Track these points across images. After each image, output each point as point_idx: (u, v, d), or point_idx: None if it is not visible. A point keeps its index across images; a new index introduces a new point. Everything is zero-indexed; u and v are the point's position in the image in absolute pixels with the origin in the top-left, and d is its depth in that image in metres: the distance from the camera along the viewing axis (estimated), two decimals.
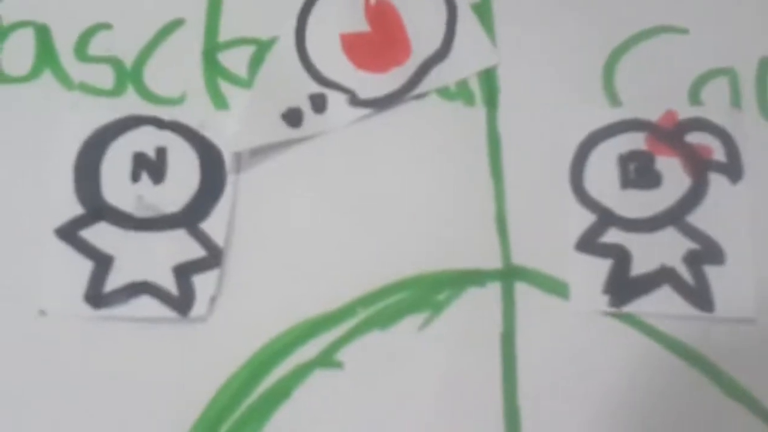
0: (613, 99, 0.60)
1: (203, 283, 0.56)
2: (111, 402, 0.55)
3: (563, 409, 0.54)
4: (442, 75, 0.61)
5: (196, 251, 0.56)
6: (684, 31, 0.62)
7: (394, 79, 0.60)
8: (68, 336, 0.56)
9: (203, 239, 0.57)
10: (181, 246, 0.56)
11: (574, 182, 0.58)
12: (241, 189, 0.59)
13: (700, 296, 0.55)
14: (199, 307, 0.55)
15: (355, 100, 0.60)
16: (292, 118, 0.59)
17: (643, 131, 0.59)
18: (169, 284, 0.56)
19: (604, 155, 0.59)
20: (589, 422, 0.53)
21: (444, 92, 0.61)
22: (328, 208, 0.58)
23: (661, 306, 0.55)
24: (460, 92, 0.61)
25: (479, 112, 0.60)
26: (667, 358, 0.54)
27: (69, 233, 0.58)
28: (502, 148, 0.59)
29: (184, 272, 0.56)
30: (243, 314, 0.56)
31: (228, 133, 0.59)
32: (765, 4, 0.63)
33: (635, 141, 0.59)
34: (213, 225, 0.57)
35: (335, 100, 0.60)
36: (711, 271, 0.55)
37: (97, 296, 0.56)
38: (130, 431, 0.54)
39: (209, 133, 0.60)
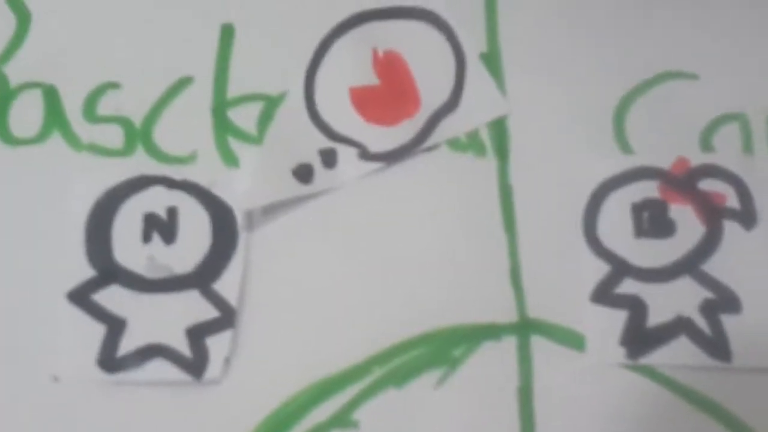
0: (625, 146, 0.60)
1: (217, 344, 0.55)
2: None
3: None
4: (453, 126, 0.60)
5: (209, 312, 0.56)
6: (694, 76, 0.61)
7: (404, 132, 0.60)
8: (82, 401, 0.55)
9: (216, 300, 0.56)
10: (193, 307, 0.56)
11: (588, 232, 0.58)
12: (252, 247, 0.58)
13: (717, 346, 0.54)
14: (213, 370, 0.55)
15: (365, 154, 0.60)
16: (303, 174, 0.59)
17: (656, 179, 0.59)
18: (183, 347, 0.55)
19: (617, 204, 0.58)
20: None
21: (454, 144, 0.60)
22: (340, 265, 0.58)
23: (678, 357, 0.54)
24: (470, 144, 0.60)
25: (490, 163, 0.60)
26: (685, 409, 0.53)
27: (81, 297, 0.57)
28: (515, 199, 0.59)
29: (197, 334, 0.56)
30: (257, 375, 0.55)
31: (238, 191, 0.59)
32: None
33: (648, 189, 0.58)
34: (225, 285, 0.57)
35: (346, 154, 0.60)
36: (728, 321, 0.55)
37: (110, 360, 0.56)
38: None
39: (220, 192, 0.59)
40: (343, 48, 0.63)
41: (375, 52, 0.62)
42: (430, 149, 0.60)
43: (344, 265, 0.58)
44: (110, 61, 0.63)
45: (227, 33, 0.64)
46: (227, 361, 0.55)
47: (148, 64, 0.63)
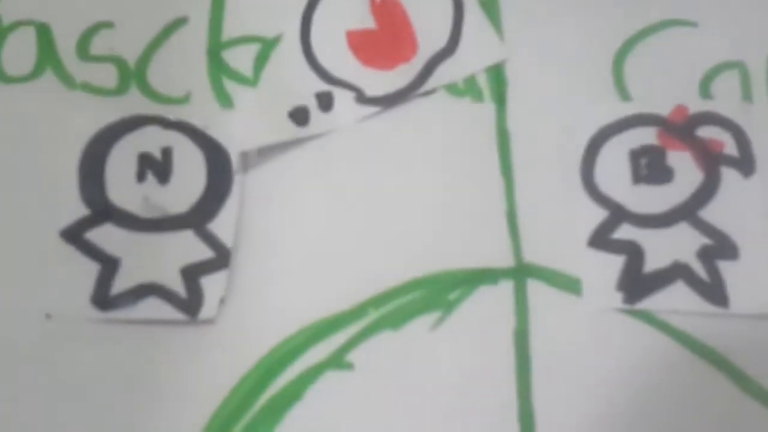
0: (623, 93, 0.60)
1: (212, 284, 0.56)
2: (119, 405, 0.54)
3: (578, 406, 0.53)
4: (450, 71, 0.61)
5: (204, 252, 0.56)
6: (693, 24, 0.62)
7: (401, 77, 0.60)
8: (75, 339, 0.55)
9: (211, 240, 0.56)
10: (188, 247, 0.56)
11: (585, 178, 0.58)
12: (248, 189, 0.59)
13: (714, 292, 0.55)
14: (208, 310, 0.55)
15: (362, 98, 0.60)
16: (299, 116, 0.59)
17: (654, 126, 0.59)
18: (178, 286, 0.55)
19: (615, 150, 0.59)
20: (602, 417, 0.53)
21: (452, 89, 0.61)
22: (336, 208, 0.58)
23: (675, 302, 0.55)
24: (468, 89, 0.61)
25: (488, 108, 0.60)
26: (681, 354, 0.54)
27: (74, 235, 0.57)
28: (512, 144, 0.59)
29: (192, 274, 0.56)
30: (252, 316, 0.56)
31: (234, 132, 0.59)
32: None
33: (646, 136, 0.59)
34: (221, 225, 0.57)
35: (342, 98, 0.60)
36: (725, 267, 0.56)
37: (104, 299, 0.56)
38: None
39: (215, 133, 0.59)
40: None
41: None
42: (427, 94, 0.60)
43: (340, 208, 0.58)
44: (104, 0, 0.63)
45: None
46: (222, 301, 0.55)
47: (142, 4, 0.63)
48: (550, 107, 0.60)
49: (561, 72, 0.61)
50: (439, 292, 0.56)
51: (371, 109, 0.60)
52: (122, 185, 0.58)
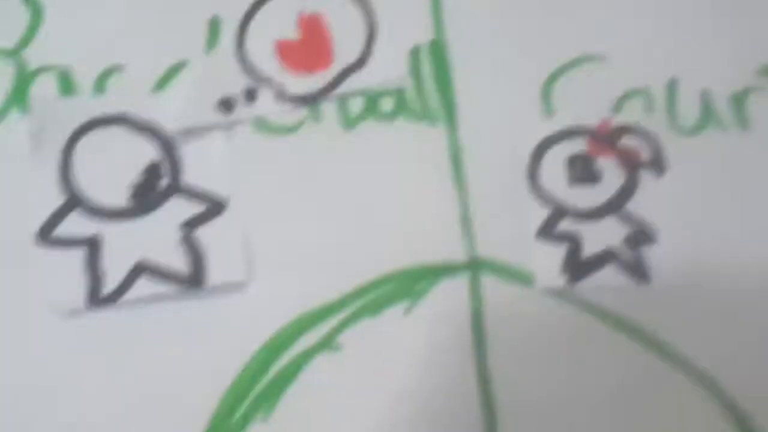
0: (555, 113, 0.67)
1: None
2: (124, 393, 0.61)
3: (530, 373, 0.62)
4: (359, 81, 0.67)
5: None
6: (604, 58, 0.68)
7: (317, 81, 0.66)
8: (72, 331, 0.61)
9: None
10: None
11: (531, 182, 0.65)
12: (241, 203, 0.64)
13: (639, 271, 0.63)
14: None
15: (282, 95, 0.66)
16: (226, 105, 0.65)
17: (585, 137, 0.66)
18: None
19: (554, 158, 0.66)
20: (547, 380, 0.62)
21: (411, 115, 0.66)
22: (317, 218, 0.64)
23: (609, 281, 0.63)
24: (424, 113, 0.66)
25: (441, 129, 0.66)
26: (609, 331, 0.63)
27: (50, 227, 0.62)
28: (464, 158, 0.65)
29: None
30: (250, 309, 0.62)
31: (166, 112, 0.65)
32: (673, 32, 0.69)
33: (578, 145, 0.66)
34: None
35: (265, 93, 0.66)
36: (647, 250, 0.64)
37: (96, 287, 0.61)
38: (146, 420, 0.60)
39: (149, 113, 0.65)
40: (274, 7, 0.68)
41: (301, 13, 0.68)
42: (389, 118, 0.66)
43: (321, 217, 0.64)
44: None
45: None
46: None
47: None
48: (495, 126, 0.66)
49: (502, 96, 0.67)
50: (407, 284, 0.63)
51: (288, 105, 0.66)
52: (93, 175, 0.63)
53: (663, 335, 0.63)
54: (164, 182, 0.63)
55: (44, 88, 0.65)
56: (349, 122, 0.66)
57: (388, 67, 0.67)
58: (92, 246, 0.62)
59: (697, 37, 0.69)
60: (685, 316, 0.63)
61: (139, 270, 0.62)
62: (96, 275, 0.61)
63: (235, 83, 0.66)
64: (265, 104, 0.66)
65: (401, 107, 0.67)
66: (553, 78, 0.68)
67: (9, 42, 0.65)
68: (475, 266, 0.64)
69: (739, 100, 0.67)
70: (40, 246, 0.62)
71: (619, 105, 0.67)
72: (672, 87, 0.68)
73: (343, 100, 0.66)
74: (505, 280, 0.64)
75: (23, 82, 0.65)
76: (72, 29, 0.66)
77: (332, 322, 0.62)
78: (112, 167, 0.63)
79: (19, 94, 0.64)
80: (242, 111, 0.65)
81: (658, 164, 0.66)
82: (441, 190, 0.65)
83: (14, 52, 0.65)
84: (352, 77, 0.67)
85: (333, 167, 0.66)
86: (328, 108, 0.66)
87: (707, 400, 0.62)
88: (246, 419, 0.60)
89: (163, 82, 0.66)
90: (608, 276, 0.64)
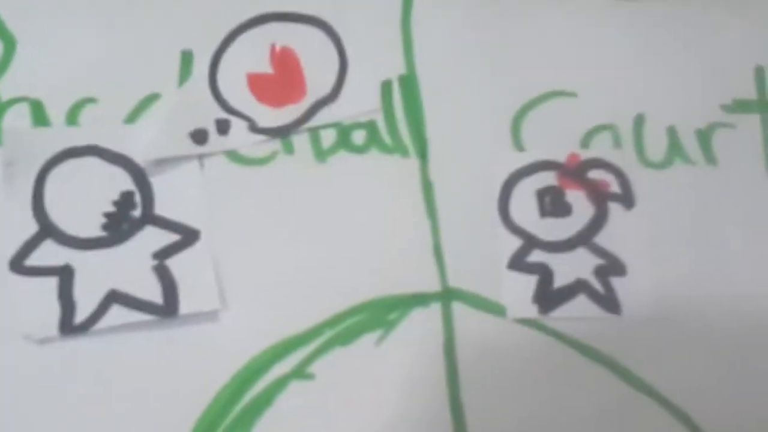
0: (524, 147, 0.68)
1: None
2: (99, 417, 0.61)
3: (501, 402, 0.63)
4: (331, 114, 0.68)
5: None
6: (574, 94, 0.69)
7: (288, 114, 0.67)
8: (45, 359, 0.61)
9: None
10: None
11: (502, 214, 0.66)
12: (213, 233, 0.64)
13: (609, 302, 0.65)
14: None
15: (254, 128, 0.67)
16: (198, 136, 0.66)
17: (554, 170, 0.67)
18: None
19: (525, 191, 0.67)
20: (519, 408, 0.63)
21: (383, 147, 0.67)
22: (294, 250, 0.65)
23: (579, 311, 0.65)
24: (396, 147, 0.67)
25: (413, 162, 0.67)
26: (579, 359, 0.64)
27: (23, 256, 0.62)
28: (435, 191, 0.66)
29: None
30: (224, 338, 0.63)
31: (138, 144, 0.65)
32: (640, 69, 0.70)
33: (548, 178, 0.67)
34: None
35: (237, 125, 0.67)
36: (616, 282, 0.65)
37: (69, 315, 0.61)
38: None
39: (120, 145, 0.65)
40: (246, 41, 0.68)
41: (273, 47, 0.69)
42: (363, 151, 0.67)
43: (293, 247, 0.65)
44: None
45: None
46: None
47: None
48: (466, 158, 0.67)
49: (473, 129, 0.68)
50: (380, 314, 0.64)
51: (261, 137, 0.67)
52: (66, 208, 0.63)
53: (633, 365, 0.64)
54: (137, 212, 0.64)
55: (17, 118, 0.65)
56: (322, 154, 0.67)
57: (359, 100, 0.68)
58: (65, 275, 0.62)
59: (663, 74, 0.70)
60: (654, 346, 0.65)
61: (111, 299, 0.62)
62: (69, 304, 0.62)
63: (208, 115, 0.67)
64: (238, 136, 0.66)
65: (373, 140, 0.67)
66: (522, 112, 0.69)
67: None
68: (447, 296, 0.65)
69: (704, 135, 0.69)
70: (13, 274, 0.62)
71: (587, 139, 0.69)
72: (639, 122, 0.69)
73: (315, 133, 0.67)
74: (477, 310, 0.65)
75: None
76: (45, 61, 0.66)
77: (305, 351, 0.63)
78: (84, 197, 0.64)
79: None
80: (215, 142, 0.66)
81: (626, 198, 0.67)
82: (413, 221, 0.66)
83: None
84: (324, 110, 0.68)
85: (305, 198, 0.66)
86: (301, 140, 0.67)
87: (675, 427, 0.64)
88: None
89: (135, 114, 0.66)
90: (579, 306, 0.65)
